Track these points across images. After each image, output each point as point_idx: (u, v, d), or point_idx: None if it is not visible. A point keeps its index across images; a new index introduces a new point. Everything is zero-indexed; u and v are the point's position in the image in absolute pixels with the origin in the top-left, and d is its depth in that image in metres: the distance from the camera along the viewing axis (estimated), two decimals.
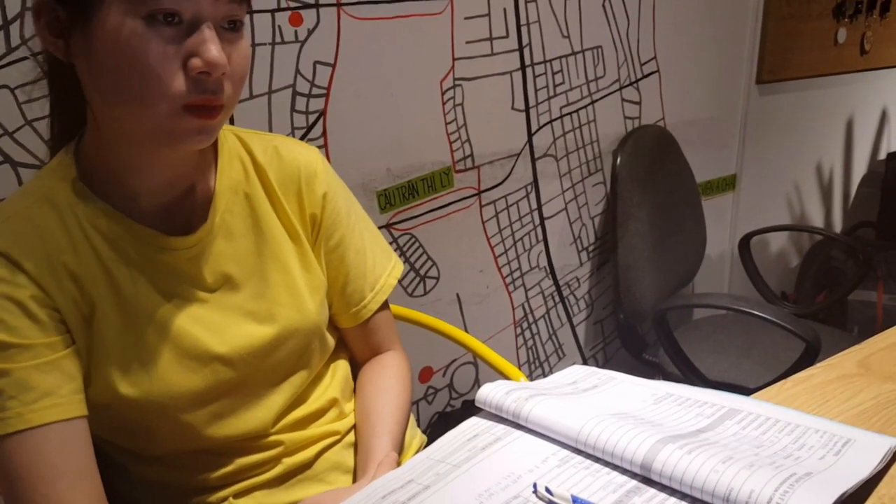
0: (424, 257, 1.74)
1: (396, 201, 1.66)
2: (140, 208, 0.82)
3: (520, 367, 2.03)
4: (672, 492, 0.60)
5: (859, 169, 3.09)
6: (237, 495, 0.89)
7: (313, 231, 0.94)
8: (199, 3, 0.69)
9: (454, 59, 1.67)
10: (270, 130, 1.44)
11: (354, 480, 0.94)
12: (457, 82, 1.69)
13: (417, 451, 0.91)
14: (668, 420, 0.70)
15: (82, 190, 0.80)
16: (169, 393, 0.81)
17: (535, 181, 1.92)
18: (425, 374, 1.82)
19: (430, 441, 0.74)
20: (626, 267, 1.89)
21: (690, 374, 1.74)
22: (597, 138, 2.03)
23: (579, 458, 0.66)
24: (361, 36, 1.51)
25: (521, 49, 1.78)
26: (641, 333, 2.08)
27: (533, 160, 1.90)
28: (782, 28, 2.42)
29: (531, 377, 1.93)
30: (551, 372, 1.75)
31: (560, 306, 2.09)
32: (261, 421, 0.89)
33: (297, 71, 1.45)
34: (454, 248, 1.79)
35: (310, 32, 1.44)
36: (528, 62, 1.81)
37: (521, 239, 1.94)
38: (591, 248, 2.12)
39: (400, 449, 0.93)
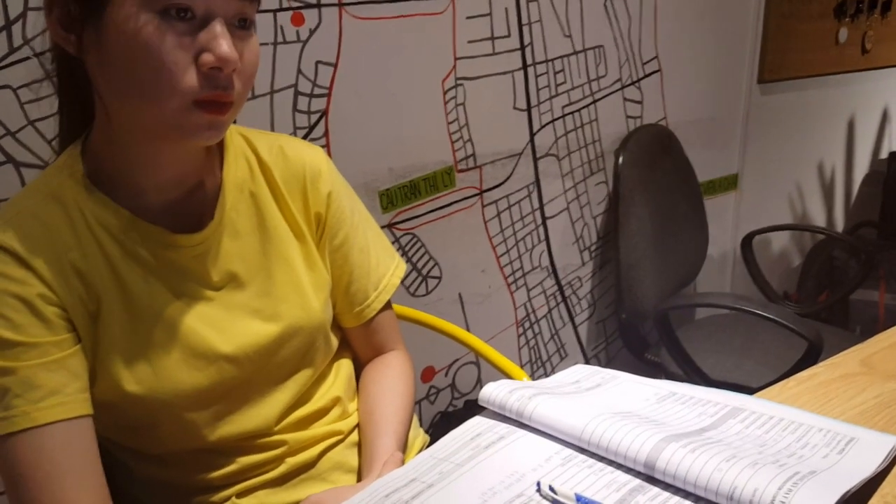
0: (426, 257, 1.74)
1: (398, 201, 1.66)
2: (147, 205, 0.82)
3: (522, 366, 2.02)
4: (675, 490, 0.60)
5: (861, 168, 3.08)
6: (240, 494, 0.89)
7: (318, 230, 0.94)
8: None
9: (456, 59, 1.67)
10: (273, 130, 1.44)
11: (358, 480, 0.95)
12: (458, 82, 1.69)
13: (420, 451, 0.91)
14: (672, 419, 0.70)
15: (89, 187, 0.80)
16: (174, 391, 0.81)
17: (537, 181, 1.92)
18: (427, 374, 1.82)
19: (432, 441, 0.74)
20: (629, 266, 1.89)
21: (693, 374, 1.74)
22: (598, 138, 2.03)
23: (583, 456, 0.66)
24: (363, 36, 1.51)
25: (522, 48, 1.78)
26: (643, 333, 2.08)
27: (535, 160, 1.90)
28: (784, 27, 2.42)
29: (533, 377, 1.93)
30: (553, 372, 1.75)
31: (562, 306, 2.09)
32: (264, 420, 0.89)
33: (299, 71, 1.45)
34: (456, 247, 1.79)
35: (311, 32, 1.45)
36: (529, 61, 1.81)
37: (523, 238, 1.94)
38: (592, 248, 2.12)
39: (404, 448, 0.93)
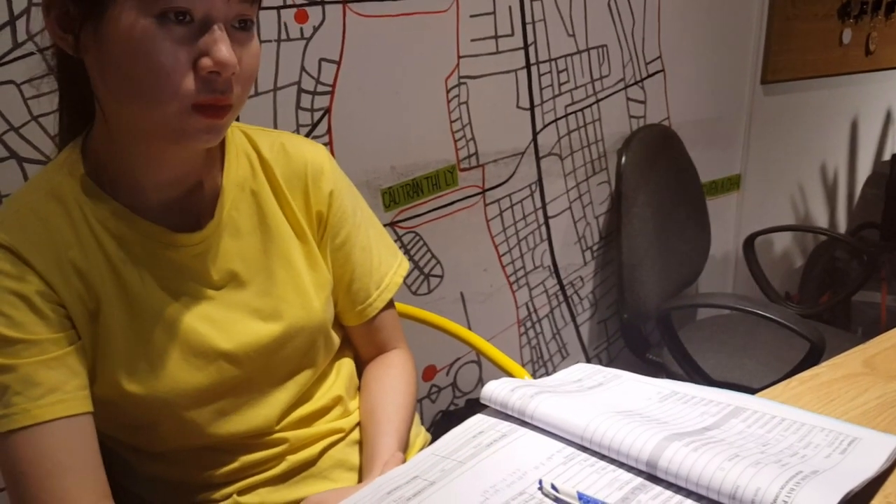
0: (428, 256, 1.74)
1: (401, 199, 1.66)
2: (147, 204, 0.82)
3: (523, 366, 2.03)
4: (678, 489, 0.60)
5: (864, 169, 3.08)
6: (241, 492, 0.89)
7: (319, 229, 0.94)
8: (210, 2, 0.69)
9: (459, 57, 1.67)
10: (275, 127, 1.44)
11: (359, 478, 0.95)
12: (462, 80, 1.69)
13: (421, 450, 0.91)
14: (674, 418, 0.70)
15: (89, 185, 0.80)
16: (174, 390, 0.81)
17: (540, 180, 1.92)
18: (429, 373, 1.82)
19: (434, 439, 0.74)
20: (631, 266, 1.89)
21: (694, 374, 1.74)
22: (601, 137, 2.03)
23: (585, 455, 0.66)
24: (367, 33, 1.51)
25: (526, 47, 1.78)
26: (645, 333, 2.08)
27: (537, 159, 1.89)
28: (787, 28, 2.42)
29: (534, 376, 1.93)
30: (555, 371, 1.75)
31: (564, 305, 2.09)
32: (265, 418, 0.89)
33: (303, 68, 1.45)
34: (458, 246, 1.79)
35: (315, 30, 1.45)
36: (533, 60, 1.81)
37: (525, 238, 1.94)
38: (595, 248, 2.12)
39: (406, 448, 0.93)
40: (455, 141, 1.72)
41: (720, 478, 0.57)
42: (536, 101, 1.85)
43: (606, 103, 2.01)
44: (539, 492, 0.61)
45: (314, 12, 1.44)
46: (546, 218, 1.97)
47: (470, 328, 1.85)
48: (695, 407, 0.73)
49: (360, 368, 1.05)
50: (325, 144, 1.46)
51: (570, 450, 0.67)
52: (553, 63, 1.85)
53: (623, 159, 1.94)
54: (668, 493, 0.60)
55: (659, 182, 2.01)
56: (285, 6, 1.40)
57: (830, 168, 2.91)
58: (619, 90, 2.04)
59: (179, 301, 0.83)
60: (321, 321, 0.92)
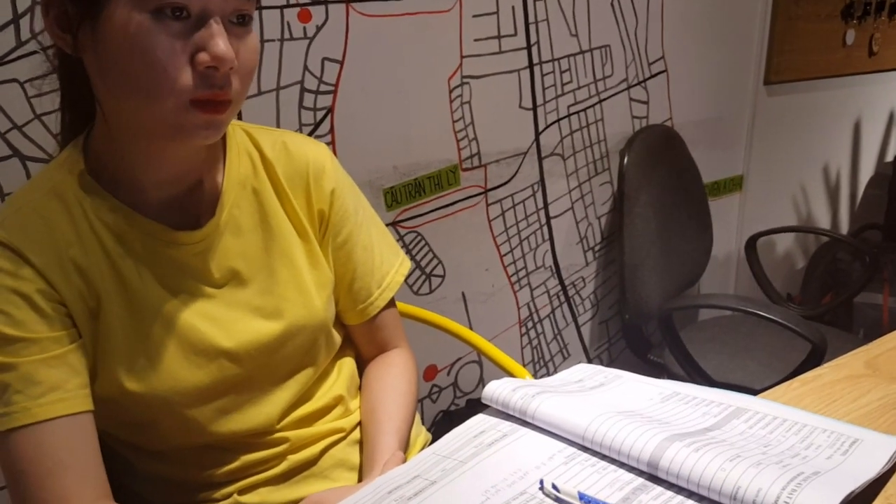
0: (430, 255, 1.74)
1: (403, 199, 1.66)
2: (147, 202, 0.82)
3: (524, 366, 2.03)
4: (679, 490, 0.60)
5: (866, 171, 3.08)
6: (242, 491, 0.89)
7: (321, 227, 0.94)
8: None
9: (462, 57, 1.67)
10: (278, 127, 1.44)
11: (360, 478, 0.95)
12: (464, 80, 1.69)
13: (422, 449, 0.91)
14: (675, 418, 0.70)
15: (90, 184, 0.80)
16: (175, 388, 0.81)
17: (542, 180, 1.92)
18: (430, 373, 1.82)
19: (434, 439, 0.74)
20: (632, 267, 1.89)
21: (695, 375, 1.74)
22: (604, 137, 2.03)
23: (586, 455, 0.66)
24: (370, 33, 1.51)
25: (528, 47, 1.78)
26: (647, 334, 2.08)
27: (540, 159, 1.89)
28: (790, 29, 2.41)
29: (535, 377, 1.93)
30: (556, 372, 1.75)
31: (565, 306, 2.09)
32: (266, 417, 0.89)
33: (306, 67, 1.45)
34: (460, 246, 1.79)
35: (318, 29, 1.45)
36: (535, 60, 1.81)
37: (527, 238, 1.94)
38: (596, 248, 2.12)
39: (406, 447, 0.93)
40: (457, 141, 1.72)
41: (721, 478, 0.57)
42: (539, 101, 1.85)
43: (609, 103, 2.01)
44: (540, 492, 0.61)
45: (317, 12, 1.44)
46: (548, 218, 1.96)
47: (471, 328, 1.85)
48: (696, 407, 0.73)
49: (362, 368, 1.05)
50: (327, 144, 1.47)
51: (572, 450, 0.67)
52: (556, 63, 1.85)
53: (625, 160, 1.94)
54: (669, 493, 0.60)
55: (661, 182, 2.01)
56: (288, 5, 1.40)
57: (833, 169, 2.91)
58: (622, 90, 2.04)
59: (180, 299, 0.83)
60: (322, 320, 0.92)
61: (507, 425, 0.72)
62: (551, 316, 2.06)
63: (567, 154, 1.95)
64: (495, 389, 0.75)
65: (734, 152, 2.48)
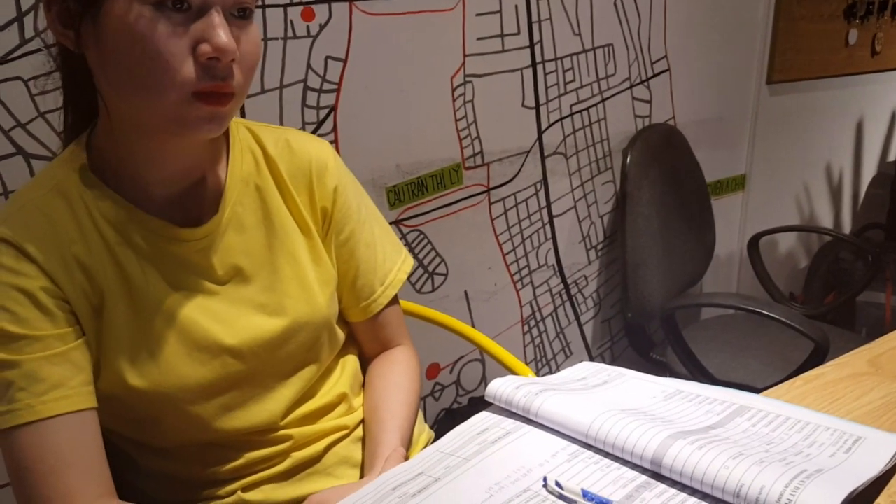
0: (433, 254, 1.74)
1: (406, 197, 1.66)
2: (151, 199, 0.82)
3: (526, 364, 2.03)
4: (682, 487, 0.60)
5: (869, 170, 3.08)
6: (245, 489, 0.89)
7: (324, 225, 0.94)
8: None
9: (465, 56, 1.67)
10: (281, 125, 1.44)
11: (362, 475, 0.95)
12: (467, 79, 1.69)
13: (425, 447, 0.91)
14: (679, 416, 0.70)
15: (93, 181, 0.80)
16: (178, 384, 0.81)
17: (545, 179, 1.92)
18: (432, 371, 1.83)
19: (437, 437, 0.74)
20: (635, 266, 1.89)
21: (698, 374, 1.74)
22: (607, 136, 2.03)
23: (589, 452, 0.66)
24: (373, 31, 1.51)
25: (532, 46, 1.78)
26: (649, 333, 2.07)
27: (542, 158, 1.89)
28: (793, 29, 2.41)
29: (538, 375, 1.93)
30: (558, 370, 1.75)
31: (568, 304, 2.09)
32: (270, 414, 0.89)
33: (309, 66, 1.45)
34: (463, 244, 1.79)
35: (321, 27, 1.45)
36: (538, 59, 1.81)
37: (530, 237, 1.94)
38: (599, 247, 2.12)
39: (408, 444, 0.93)
40: (460, 139, 1.72)
41: (724, 476, 0.57)
42: (542, 99, 1.85)
43: (612, 102, 2.01)
44: (543, 489, 0.61)
45: (321, 10, 1.44)
46: (550, 217, 1.96)
47: (474, 326, 1.85)
48: (699, 405, 0.73)
49: (365, 365, 1.05)
50: (330, 142, 1.47)
51: (575, 447, 0.67)
52: (559, 62, 1.85)
53: (628, 158, 1.94)
54: (673, 490, 0.60)
55: (664, 181, 2.01)
56: (292, 4, 1.40)
57: (835, 168, 2.91)
58: (625, 89, 2.04)
59: (183, 296, 0.83)
60: (325, 317, 0.92)
61: (510, 423, 0.72)
62: (554, 314, 2.06)
63: (570, 153, 1.95)
64: (498, 387, 0.75)
65: (737, 151, 2.47)
